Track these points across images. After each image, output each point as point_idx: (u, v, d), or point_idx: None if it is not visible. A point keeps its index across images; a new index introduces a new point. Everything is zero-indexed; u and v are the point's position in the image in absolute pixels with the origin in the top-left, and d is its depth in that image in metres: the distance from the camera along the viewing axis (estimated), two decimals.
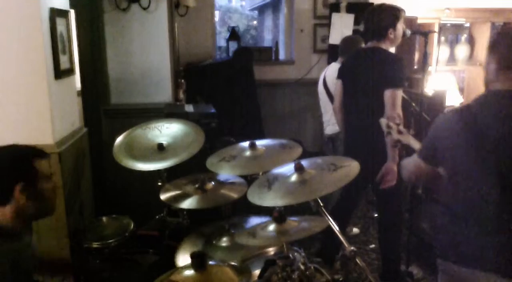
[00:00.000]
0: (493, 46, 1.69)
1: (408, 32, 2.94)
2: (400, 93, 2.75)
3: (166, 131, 2.59)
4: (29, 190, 1.60)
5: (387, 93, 2.72)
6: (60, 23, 2.47)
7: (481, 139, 1.60)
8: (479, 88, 5.17)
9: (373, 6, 2.99)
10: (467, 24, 5.20)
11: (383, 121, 2.25)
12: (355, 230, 3.98)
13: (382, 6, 2.88)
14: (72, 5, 2.86)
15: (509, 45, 1.64)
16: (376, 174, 2.84)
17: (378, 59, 2.83)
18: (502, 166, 1.57)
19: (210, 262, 1.63)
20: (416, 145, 2.06)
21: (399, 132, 2.16)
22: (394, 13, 2.83)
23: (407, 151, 2.49)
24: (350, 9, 4.70)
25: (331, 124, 3.84)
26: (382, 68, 2.79)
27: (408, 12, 3.22)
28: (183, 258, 2.01)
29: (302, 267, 1.68)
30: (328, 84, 3.81)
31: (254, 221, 2.24)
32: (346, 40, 3.87)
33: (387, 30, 2.82)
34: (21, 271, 1.63)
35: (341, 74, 3.11)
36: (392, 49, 3.84)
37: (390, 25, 2.81)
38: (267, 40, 11.22)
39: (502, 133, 1.57)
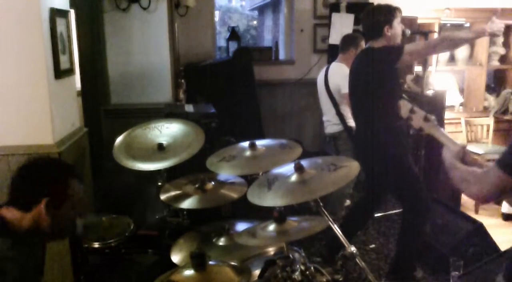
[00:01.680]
0: None
1: (408, 32, 2.95)
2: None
3: (166, 131, 2.59)
4: (52, 208, 1.55)
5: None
6: (60, 23, 2.47)
7: None
8: (479, 88, 5.19)
9: (369, 6, 3.02)
10: (467, 24, 5.20)
11: (405, 104, 1.79)
12: None
13: (377, 5, 2.92)
14: (72, 5, 2.86)
15: None
16: (385, 175, 2.85)
17: (371, 60, 2.85)
18: None
19: (210, 262, 1.63)
20: (443, 137, 1.66)
21: (426, 119, 1.73)
22: (389, 10, 2.85)
23: (428, 142, 2.12)
24: (350, 9, 4.69)
25: (331, 124, 3.83)
26: (374, 68, 2.80)
27: (408, 12, 3.23)
28: (178, 256, 2.01)
29: (302, 267, 1.68)
30: (330, 84, 3.79)
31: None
32: (345, 37, 3.89)
33: (383, 27, 2.83)
34: (28, 277, 1.61)
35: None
36: None
37: (386, 22, 2.83)
38: (267, 40, 11.20)
39: None
